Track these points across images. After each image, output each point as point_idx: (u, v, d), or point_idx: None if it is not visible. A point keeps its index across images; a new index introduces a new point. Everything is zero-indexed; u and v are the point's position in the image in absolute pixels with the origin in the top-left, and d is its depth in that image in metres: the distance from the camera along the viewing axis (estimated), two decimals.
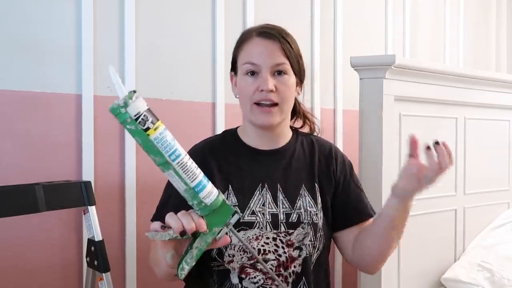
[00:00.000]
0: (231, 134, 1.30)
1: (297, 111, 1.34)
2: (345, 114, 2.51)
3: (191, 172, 0.84)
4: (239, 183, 1.21)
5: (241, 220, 1.16)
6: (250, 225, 1.17)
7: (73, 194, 1.47)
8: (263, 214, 1.19)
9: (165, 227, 0.88)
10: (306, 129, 1.38)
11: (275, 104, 1.18)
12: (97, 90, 1.67)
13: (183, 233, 0.86)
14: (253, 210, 1.19)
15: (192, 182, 0.84)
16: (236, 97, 1.26)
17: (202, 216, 0.87)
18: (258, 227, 1.18)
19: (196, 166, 0.86)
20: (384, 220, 1.17)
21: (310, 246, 1.20)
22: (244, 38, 1.22)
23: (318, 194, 1.24)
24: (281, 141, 1.27)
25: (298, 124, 1.36)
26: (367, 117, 1.81)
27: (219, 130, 1.94)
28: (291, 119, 1.33)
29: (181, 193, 0.86)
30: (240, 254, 1.17)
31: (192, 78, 1.94)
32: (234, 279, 1.17)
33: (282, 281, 1.17)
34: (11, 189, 1.37)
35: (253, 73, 1.18)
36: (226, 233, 0.90)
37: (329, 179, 1.27)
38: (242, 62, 1.20)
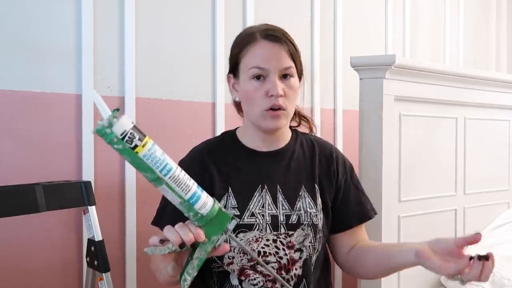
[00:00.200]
0: (230, 136, 1.29)
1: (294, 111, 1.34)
2: (345, 114, 2.51)
3: (184, 185, 0.84)
4: (238, 185, 1.20)
5: (240, 222, 1.15)
6: (249, 227, 1.17)
7: (73, 194, 1.47)
8: (263, 215, 1.18)
9: (163, 241, 0.88)
10: (306, 129, 1.37)
11: (282, 108, 1.16)
12: (97, 90, 1.66)
13: (182, 245, 0.86)
14: (252, 212, 1.18)
15: (186, 194, 0.84)
16: (235, 99, 1.25)
17: (200, 226, 0.87)
18: (258, 229, 1.17)
19: (189, 177, 0.86)
20: (395, 262, 1.15)
21: (310, 247, 1.20)
22: (248, 40, 1.18)
23: (318, 195, 1.24)
24: (281, 142, 1.26)
25: (293, 123, 1.35)
26: (367, 117, 1.81)
27: (219, 130, 1.94)
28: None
29: (177, 206, 0.86)
30: (240, 256, 1.16)
31: (192, 78, 1.94)
32: (234, 281, 1.17)
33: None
34: (11, 189, 1.37)
35: (259, 77, 1.16)
36: (226, 240, 0.90)
37: (329, 180, 1.26)
38: (249, 66, 1.16)
